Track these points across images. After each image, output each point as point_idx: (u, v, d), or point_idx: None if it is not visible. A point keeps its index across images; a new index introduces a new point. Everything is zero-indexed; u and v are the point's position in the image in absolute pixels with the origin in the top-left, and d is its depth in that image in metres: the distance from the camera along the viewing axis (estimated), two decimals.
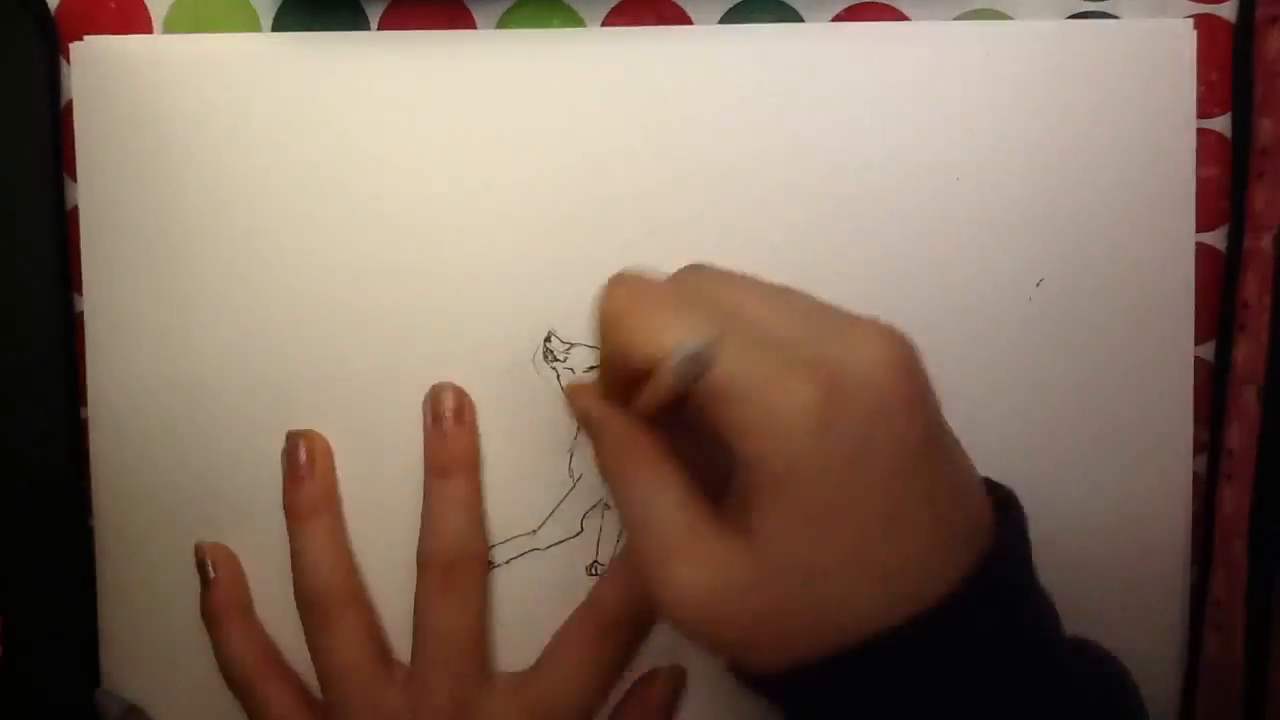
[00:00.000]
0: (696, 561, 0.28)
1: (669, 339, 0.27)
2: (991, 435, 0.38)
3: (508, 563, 0.39)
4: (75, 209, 0.39)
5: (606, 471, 0.32)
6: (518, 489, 0.38)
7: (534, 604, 0.38)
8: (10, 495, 0.37)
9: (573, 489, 0.38)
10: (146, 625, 0.39)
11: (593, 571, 0.38)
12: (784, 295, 0.30)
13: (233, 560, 0.39)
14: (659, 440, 0.30)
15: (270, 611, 0.39)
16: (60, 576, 0.39)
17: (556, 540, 0.39)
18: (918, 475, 0.27)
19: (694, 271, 0.31)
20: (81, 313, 0.39)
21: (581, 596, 0.38)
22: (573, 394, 0.34)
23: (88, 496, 0.39)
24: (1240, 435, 0.37)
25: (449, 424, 0.38)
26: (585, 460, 0.38)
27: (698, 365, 0.27)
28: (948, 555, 0.27)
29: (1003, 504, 0.30)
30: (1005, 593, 0.28)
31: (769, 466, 0.27)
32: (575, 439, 0.38)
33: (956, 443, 0.29)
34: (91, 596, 0.39)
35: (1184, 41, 0.37)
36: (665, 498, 0.29)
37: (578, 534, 0.39)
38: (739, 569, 0.28)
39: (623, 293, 0.30)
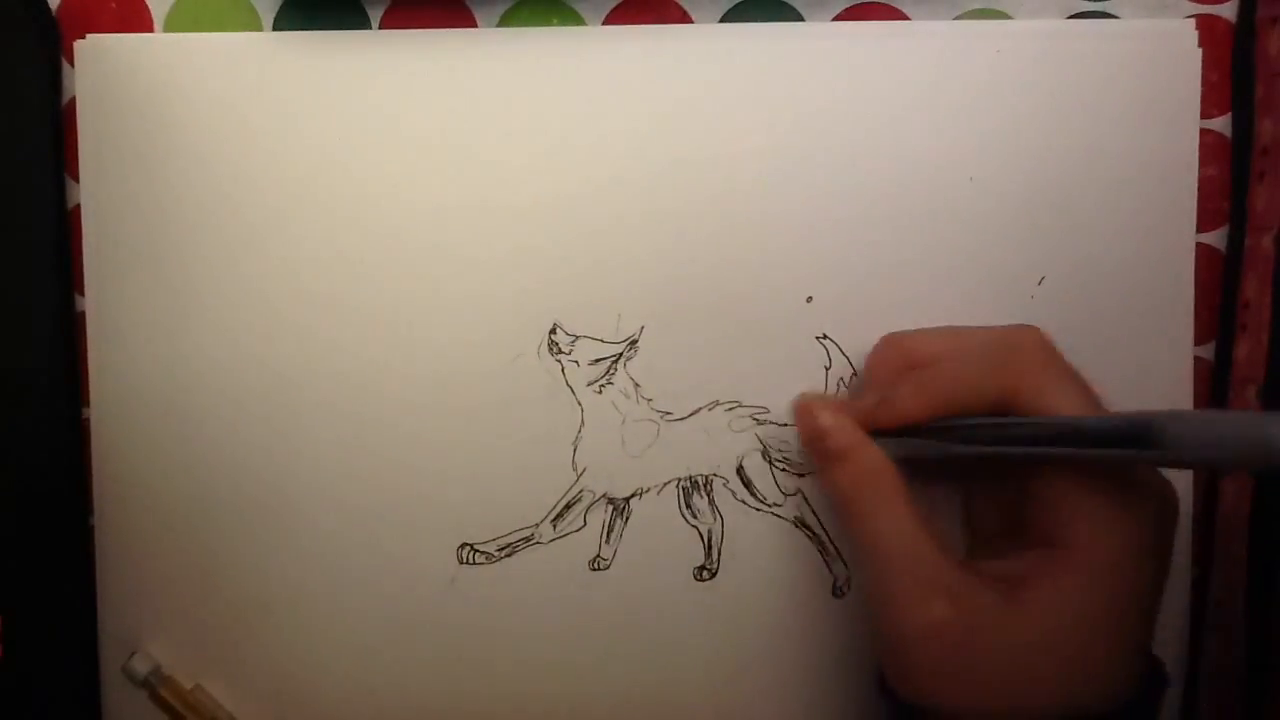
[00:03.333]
0: (956, 600, 0.30)
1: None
2: None
3: (510, 557, 0.39)
4: (77, 208, 0.39)
5: (852, 497, 0.33)
6: (521, 483, 0.38)
7: (536, 599, 0.39)
8: (11, 495, 0.37)
9: (576, 483, 0.39)
10: (146, 625, 0.39)
11: (595, 566, 0.39)
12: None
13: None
14: (900, 476, 0.32)
15: (268, 612, 0.39)
16: (61, 576, 0.39)
17: (559, 535, 0.39)
18: (1156, 608, 0.31)
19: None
20: (83, 312, 0.39)
21: (584, 592, 0.38)
22: (811, 410, 0.35)
23: (89, 496, 0.39)
24: None
25: None
26: (588, 454, 0.38)
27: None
28: (1134, 664, 0.31)
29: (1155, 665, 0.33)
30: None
31: (1095, 553, 0.30)
32: (579, 433, 0.38)
33: None
34: (91, 596, 0.39)
35: (1186, 41, 0.37)
36: (923, 534, 0.31)
37: (581, 529, 0.39)
38: (997, 617, 0.30)
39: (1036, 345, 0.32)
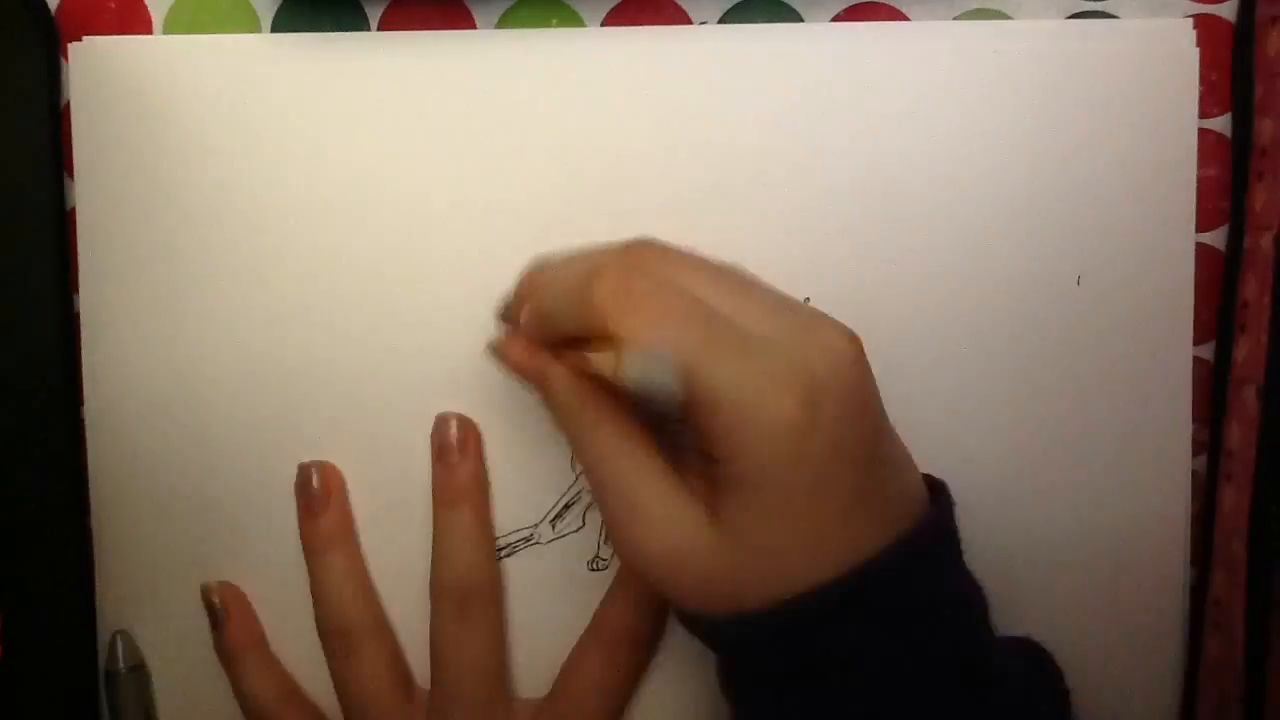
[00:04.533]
0: (661, 529, 0.30)
1: (650, 337, 0.28)
2: (990, 434, 0.38)
3: (510, 558, 0.39)
4: (74, 209, 0.39)
5: (564, 423, 0.32)
6: (520, 484, 0.38)
7: (536, 600, 0.39)
8: (8, 495, 0.37)
9: (575, 483, 0.39)
10: (144, 625, 0.39)
11: (594, 567, 0.38)
12: (747, 286, 0.31)
13: (242, 597, 0.39)
14: (616, 395, 0.30)
15: (267, 613, 0.39)
16: (58, 577, 0.39)
17: (558, 535, 0.39)
18: (873, 463, 0.29)
19: (656, 253, 0.30)
20: (79, 313, 0.39)
21: (584, 593, 0.38)
22: (505, 348, 0.33)
23: (86, 497, 0.39)
24: (1239, 435, 0.37)
25: (454, 455, 0.38)
26: None
27: (656, 380, 0.28)
28: (884, 527, 0.29)
29: (935, 489, 0.32)
30: (928, 564, 0.30)
31: (748, 465, 0.28)
32: None
33: (893, 429, 0.31)
34: (90, 596, 0.39)
35: (1185, 41, 0.37)
36: (629, 460, 0.31)
37: (579, 529, 0.39)
38: (702, 540, 0.29)
39: (613, 274, 0.29)
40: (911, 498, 0.31)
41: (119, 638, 0.39)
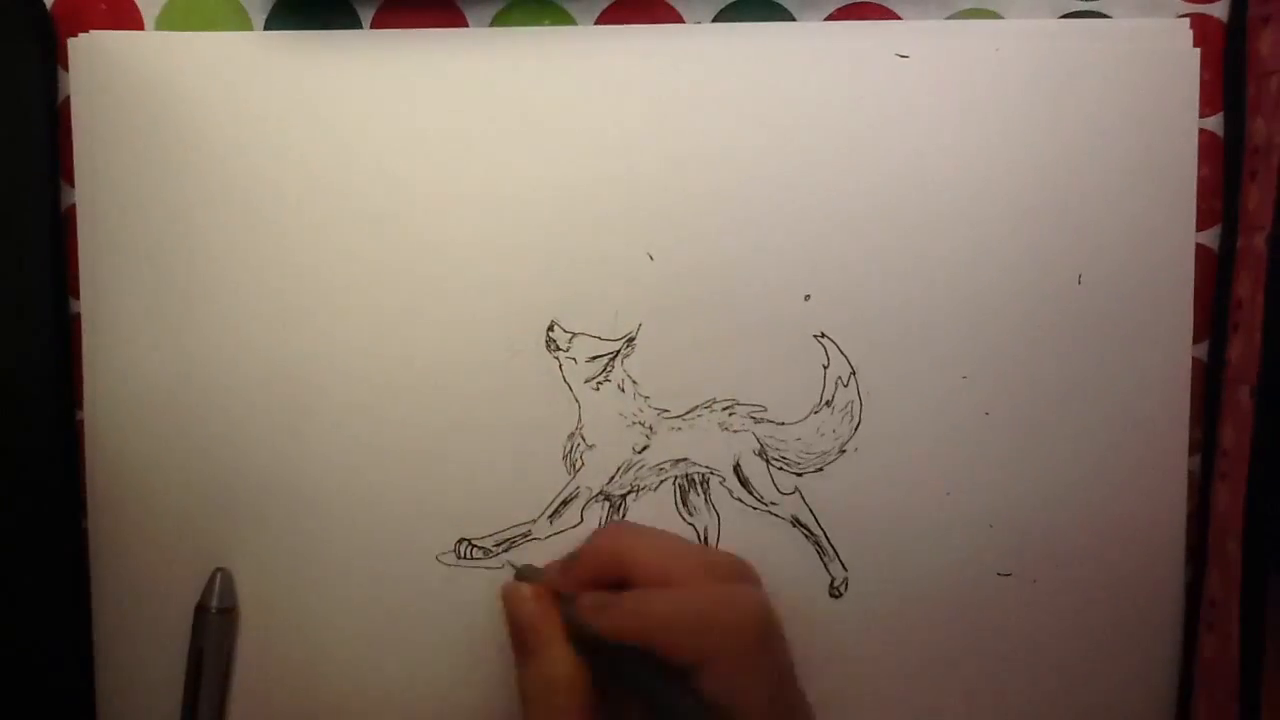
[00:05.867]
0: None
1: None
2: (988, 435, 0.38)
3: (508, 552, 0.39)
4: (71, 210, 0.39)
5: (530, 698, 0.34)
6: (518, 479, 0.38)
7: None
8: (5, 497, 0.37)
9: (572, 480, 0.38)
10: (140, 626, 0.39)
11: None
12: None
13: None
14: (587, 683, 0.33)
15: (266, 613, 0.39)
16: (54, 578, 0.39)
17: (556, 531, 0.39)
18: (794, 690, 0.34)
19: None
20: (78, 314, 0.39)
21: None
22: (515, 597, 0.35)
23: (82, 498, 0.39)
24: (1234, 434, 0.37)
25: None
26: (586, 451, 0.38)
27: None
28: None
29: None
30: None
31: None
32: (577, 428, 0.38)
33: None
34: (85, 598, 0.39)
35: (1183, 41, 0.37)
36: None
37: (577, 525, 0.39)
38: None
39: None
40: None
41: (219, 575, 0.39)
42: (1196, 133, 0.37)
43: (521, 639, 0.35)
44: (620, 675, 0.33)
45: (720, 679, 0.32)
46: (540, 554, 0.38)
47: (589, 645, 0.34)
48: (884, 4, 0.38)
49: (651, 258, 0.38)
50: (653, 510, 0.38)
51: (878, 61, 0.38)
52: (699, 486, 0.38)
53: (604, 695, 0.34)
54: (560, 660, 0.34)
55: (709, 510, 0.38)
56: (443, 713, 0.39)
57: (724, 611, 0.33)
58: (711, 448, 0.38)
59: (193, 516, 0.39)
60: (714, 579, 0.34)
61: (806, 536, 0.38)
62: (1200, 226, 0.38)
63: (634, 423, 0.38)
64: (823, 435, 0.38)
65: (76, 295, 0.39)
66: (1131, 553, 0.38)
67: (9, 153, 0.38)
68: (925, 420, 0.38)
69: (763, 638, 0.33)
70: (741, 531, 0.38)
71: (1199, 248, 0.38)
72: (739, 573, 0.35)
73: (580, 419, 0.38)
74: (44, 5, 0.38)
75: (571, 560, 0.36)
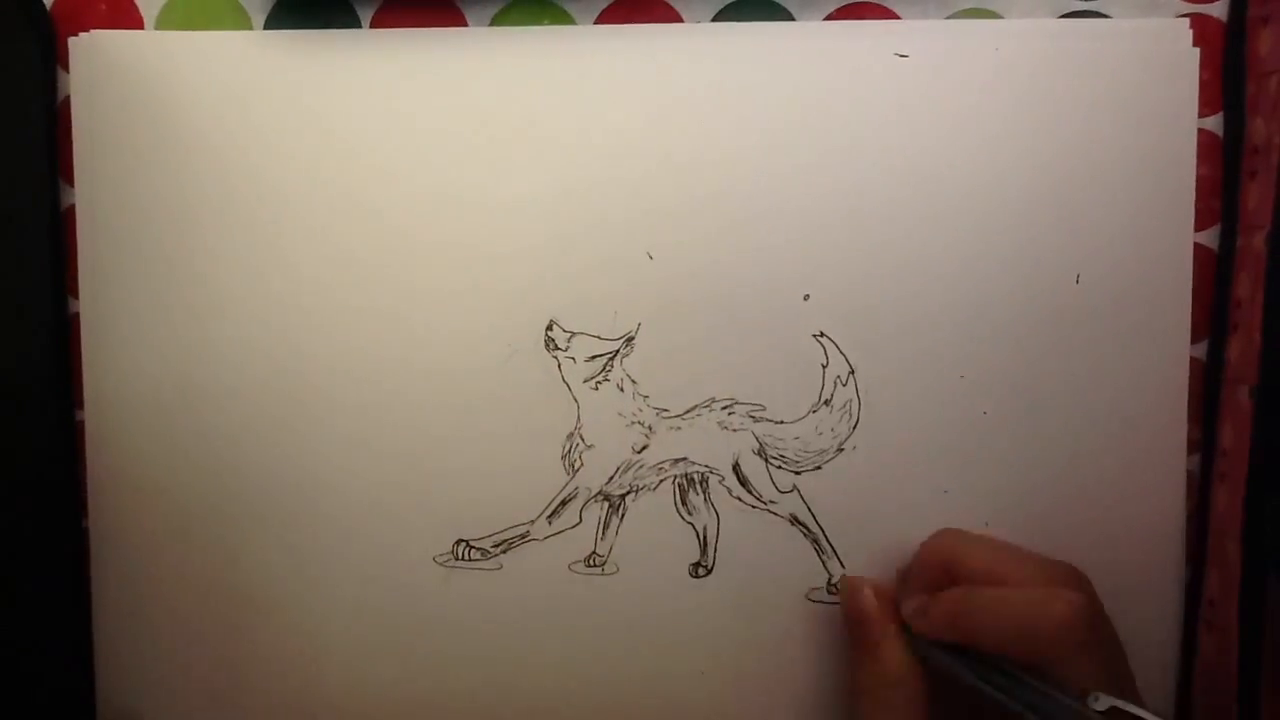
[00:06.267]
0: None
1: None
2: (986, 434, 0.38)
3: (506, 553, 0.39)
4: (71, 210, 0.39)
5: (867, 694, 0.35)
6: (516, 479, 0.38)
7: (532, 595, 0.39)
8: (5, 497, 0.37)
9: (571, 479, 0.39)
10: (140, 626, 0.39)
11: (591, 563, 0.38)
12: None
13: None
14: (923, 682, 0.35)
15: (264, 613, 0.39)
16: (54, 578, 0.39)
17: (555, 532, 0.39)
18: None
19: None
20: (77, 314, 0.39)
21: (578, 589, 0.38)
22: (857, 589, 0.37)
23: (82, 498, 0.39)
24: (1233, 434, 0.37)
25: None
26: (585, 451, 0.38)
27: None
28: None
29: None
30: None
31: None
32: (576, 428, 0.38)
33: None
34: (86, 598, 0.39)
35: (1182, 41, 0.37)
36: None
37: (576, 525, 0.39)
38: None
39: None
40: None
41: None
42: (1195, 132, 0.37)
43: (859, 633, 0.36)
44: (956, 674, 0.34)
45: (1054, 666, 0.32)
46: (539, 555, 0.38)
47: (921, 646, 0.35)
48: (883, 4, 0.38)
49: (651, 257, 0.38)
50: (652, 510, 0.38)
51: (877, 61, 0.38)
52: (698, 486, 0.39)
53: (938, 695, 0.35)
54: (895, 658, 0.35)
55: (708, 509, 0.39)
56: (442, 713, 0.39)
57: (1039, 613, 0.33)
58: (710, 447, 0.38)
59: (192, 516, 0.39)
60: (1040, 582, 0.34)
61: (805, 535, 0.38)
62: (1199, 226, 0.38)
63: (633, 422, 0.38)
64: (821, 434, 0.38)
65: (76, 295, 0.39)
66: (1130, 553, 0.38)
67: (9, 152, 0.38)
68: (923, 419, 0.38)
69: (1083, 643, 0.32)
70: (740, 530, 0.38)
71: (1198, 247, 0.38)
72: (1069, 579, 0.35)
73: (579, 419, 0.38)
74: (43, 5, 0.38)
75: (907, 567, 0.38)
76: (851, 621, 0.37)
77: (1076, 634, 0.32)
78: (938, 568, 0.36)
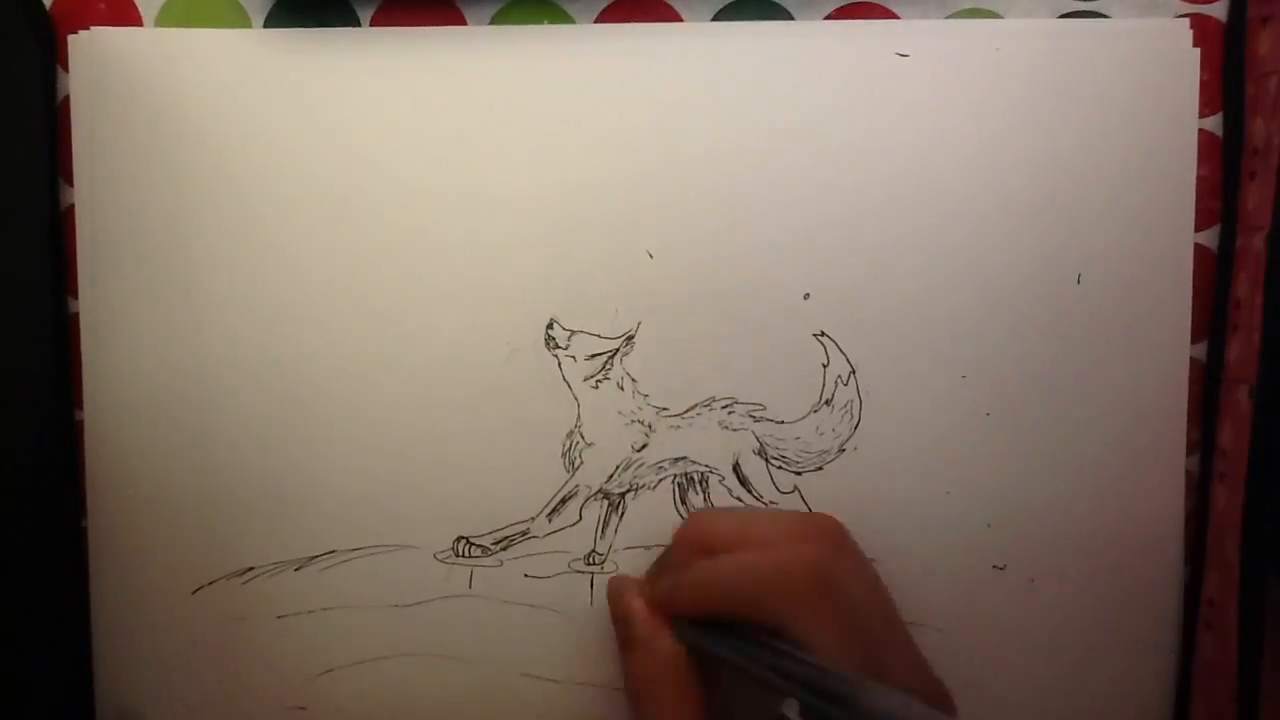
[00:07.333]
0: None
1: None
2: (987, 434, 0.38)
3: (505, 550, 0.39)
4: (71, 209, 0.39)
5: (638, 688, 0.34)
6: (516, 477, 0.38)
7: (532, 592, 0.39)
8: (4, 497, 0.37)
9: (571, 478, 0.38)
10: (139, 627, 0.39)
11: (590, 561, 0.38)
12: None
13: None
14: (692, 669, 0.33)
15: (265, 611, 0.39)
16: (53, 578, 0.39)
17: (555, 530, 0.39)
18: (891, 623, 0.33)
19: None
20: (77, 314, 0.39)
21: (579, 586, 0.38)
22: (618, 591, 0.36)
23: (82, 498, 0.39)
24: (1233, 435, 0.37)
25: None
26: (585, 449, 0.38)
27: None
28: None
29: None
30: None
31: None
32: (576, 427, 0.38)
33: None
34: (85, 598, 0.39)
35: (1182, 41, 0.37)
36: None
37: (576, 523, 0.39)
38: None
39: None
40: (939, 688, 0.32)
41: None
42: (1195, 133, 0.38)
43: (626, 632, 0.35)
44: (722, 654, 0.32)
45: (792, 622, 0.31)
46: (538, 551, 0.38)
47: (684, 631, 0.34)
48: (883, 3, 0.38)
49: (651, 256, 0.38)
50: (652, 509, 0.39)
51: (877, 61, 0.38)
52: (698, 485, 0.39)
53: (715, 683, 0.34)
54: (661, 651, 0.34)
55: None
56: (442, 712, 0.39)
57: (769, 573, 0.32)
58: (711, 446, 0.38)
59: (192, 516, 0.39)
60: (783, 540, 0.33)
61: None
62: (1199, 226, 0.38)
63: (633, 421, 0.38)
64: (822, 434, 0.38)
65: (76, 295, 0.39)
66: (1130, 553, 0.38)
67: (8, 152, 0.38)
68: (924, 420, 0.38)
69: (811, 597, 0.31)
70: None
71: (1198, 248, 0.38)
72: (812, 533, 0.34)
73: (579, 417, 0.38)
74: (43, 3, 0.38)
75: (666, 552, 0.36)
76: (619, 621, 0.36)
77: (803, 589, 0.31)
78: (691, 548, 0.35)
